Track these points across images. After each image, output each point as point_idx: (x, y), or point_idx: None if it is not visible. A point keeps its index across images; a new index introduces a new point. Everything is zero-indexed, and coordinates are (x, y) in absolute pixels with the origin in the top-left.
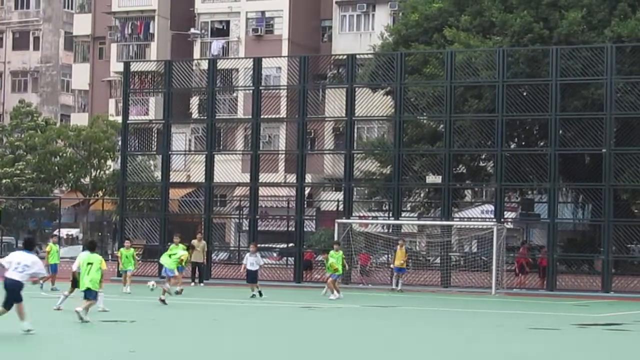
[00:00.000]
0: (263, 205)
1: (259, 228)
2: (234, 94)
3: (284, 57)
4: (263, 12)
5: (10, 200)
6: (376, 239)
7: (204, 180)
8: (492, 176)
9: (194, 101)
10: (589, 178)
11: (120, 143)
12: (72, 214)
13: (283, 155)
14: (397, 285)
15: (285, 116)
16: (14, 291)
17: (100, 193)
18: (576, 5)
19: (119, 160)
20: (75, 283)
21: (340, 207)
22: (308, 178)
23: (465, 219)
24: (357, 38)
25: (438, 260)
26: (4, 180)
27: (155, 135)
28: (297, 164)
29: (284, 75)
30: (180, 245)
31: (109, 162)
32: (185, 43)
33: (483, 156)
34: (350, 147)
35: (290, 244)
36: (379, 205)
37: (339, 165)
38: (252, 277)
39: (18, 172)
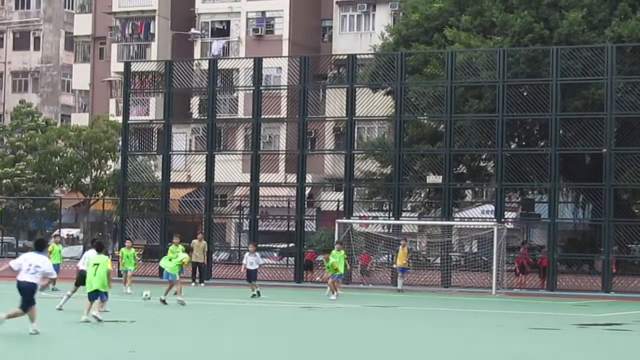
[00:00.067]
0: (263, 205)
1: (259, 228)
2: (235, 94)
3: (285, 57)
4: (263, 12)
5: (10, 201)
6: (377, 239)
7: (204, 181)
8: (493, 176)
9: (195, 101)
10: (590, 178)
11: (120, 143)
12: (72, 214)
13: (283, 155)
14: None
15: (285, 116)
16: (28, 293)
17: (101, 193)
18: (576, 6)
19: (120, 161)
20: (79, 282)
21: (341, 207)
22: (308, 178)
23: (466, 219)
24: (357, 38)
25: (438, 260)
26: (4, 181)
27: (156, 136)
28: (298, 164)
29: (284, 76)
30: (180, 246)
31: (110, 162)
32: (185, 43)
33: (483, 156)
34: (351, 147)
35: (291, 244)
36: (379, 206)
37: (339, 165)
38: (252, 277)
39: (18, 172)
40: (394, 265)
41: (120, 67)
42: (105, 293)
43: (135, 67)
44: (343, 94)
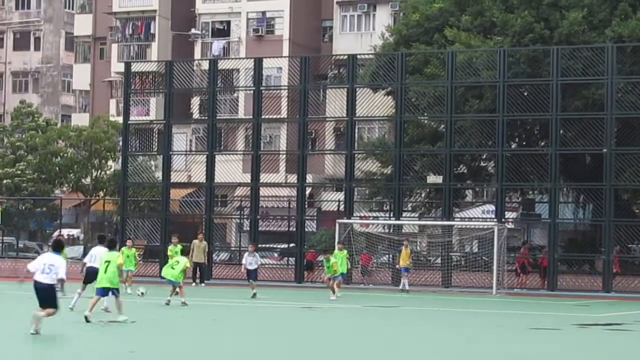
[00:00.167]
0: (264, 206)
1: (259, 228)
2: (235, 94)
3: (285, 57)
4: (264, 13)
5: (11, 201)
6: (377, 239)
7: (204, 181)
8: (493, 176)
9: (195, 101)
10: (590, 178)
11: (121, 143)
12: (73, 215)
13: (284, 156)
14: (404, 285)
15: (286, 116)
16: (46, 296)
17: (101, 193)
18: (577, 5)
19: (120, 161)
20: (87, 279)
21: (341, 207)
22: (309, 178)
23: (466, 219)
24: (357, 38)
25: (439, 260)
26: (4, 181)
27: (156, 136)
28: (298, 164)
29: (284, 76)
30: (179, 246)
31: (110, 162)
32: (186, 43)
33: (484, 156)
34: (351, 147)
35: (291, 244)
36: (379, 206)
37: (339, 166)
38: (251, 277)
39: (19, 172)
40: (397, 266)
41: (121, 67)
42: (117, 289)
43: (136, 67)
44: (343, 94)
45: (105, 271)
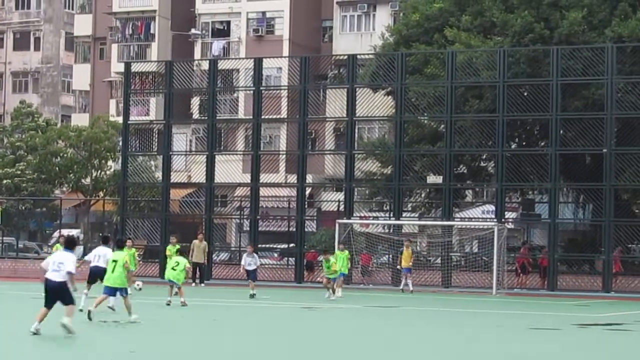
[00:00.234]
0: (264, 206)
1: (259, 228)
2: (235, 95)
3: (285, 57)
4: (264, 13)
5: (11, 201)
6: (377, 240)
7: (204, 181)
8: (493, 176)
9: (195, 101)
10: (590, 178)
11: (121, 143)
12: (72, 215)
13: (284, 156)
14: (407, 285)
15: (286, 116)
16: (53, 292)
17: (101, 193)
18: (577, 6)
19: (120, 161)
20: (91, 279)
21: (341, 208)
22: (309, 178)
23: (466, 219)
24: (357, 38)
25: (439, 260)
26: (4, 181)
27: (156, 136)
28: (298, 164)
29: (284, 76)
30: (177, 246)
31: (110, 162)
32: (186, 43)
33: (484, 156)
34: (351, 148)
35: (291, 245)
36: (379, 206)
37: (339, 166)
38: (251, 277)
39: (19, 172)
40: (398, 267)
41: (121, 67)
42: (124, 290)
43: (136, 67)
44: (343, 94)
45: (113, 271)
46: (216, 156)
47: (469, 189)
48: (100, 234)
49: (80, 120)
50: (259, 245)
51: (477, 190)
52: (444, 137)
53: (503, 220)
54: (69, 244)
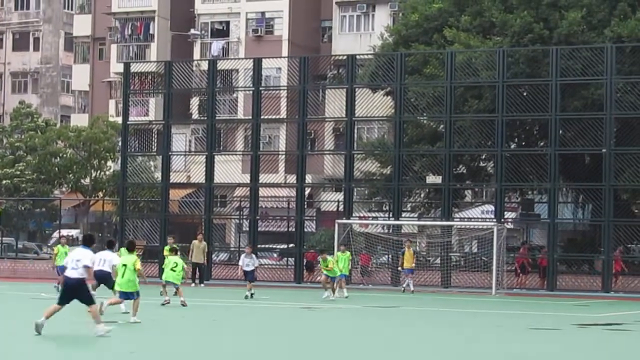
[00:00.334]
0: (263, 206)
1: (259, 229)
2: (234, 95)
3: (284, 57)
4: (263, 13)
5: (10, 201)
6: (377, 240)
7: (204, 181)
8: (492, 176)
9: (194, 102)
10: (589, 178)
11: (120, 144)
12: (72, 215)
13: (283, 156)
14: (408, 285)
15: (285, 117)
16: (71, 289)
17: (101, 194)
18: (576, 6)
19: (119, 161)
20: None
21: (341, 208)
22: (308, 178)
23: (466, 219)
24: (357, 38)
25: (438, 260)
26: (4, 181)
27: (156, 136)
28: (297, 164)
29: (284, 76)
30: (174, 246)
31: (109, 163)
32: (185, 44)
33: (483, 156)
34: (351, 148)
35: (291, 245)
36: (379, 206)
37: (339, 166)
38: (249, 277)
39: (18, 173)
40: (399, 268)
41: (120, 67)
42: (136, 292)
43: (135, 67)
44: (343, 95)
45: (123, 275)
46: (215, 156)
47: (468, 189)
48: (100, 235)
49: (80, 120)
50: (259, 246)
51: (476, 190)
52: (444, 137)
53: (502, 220)
54: (87, 241)
